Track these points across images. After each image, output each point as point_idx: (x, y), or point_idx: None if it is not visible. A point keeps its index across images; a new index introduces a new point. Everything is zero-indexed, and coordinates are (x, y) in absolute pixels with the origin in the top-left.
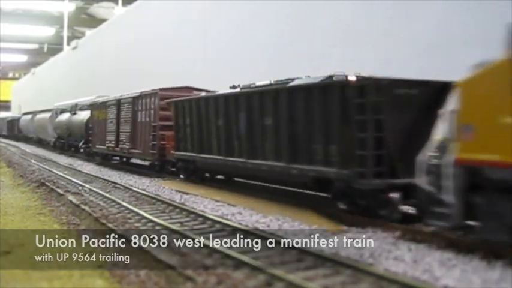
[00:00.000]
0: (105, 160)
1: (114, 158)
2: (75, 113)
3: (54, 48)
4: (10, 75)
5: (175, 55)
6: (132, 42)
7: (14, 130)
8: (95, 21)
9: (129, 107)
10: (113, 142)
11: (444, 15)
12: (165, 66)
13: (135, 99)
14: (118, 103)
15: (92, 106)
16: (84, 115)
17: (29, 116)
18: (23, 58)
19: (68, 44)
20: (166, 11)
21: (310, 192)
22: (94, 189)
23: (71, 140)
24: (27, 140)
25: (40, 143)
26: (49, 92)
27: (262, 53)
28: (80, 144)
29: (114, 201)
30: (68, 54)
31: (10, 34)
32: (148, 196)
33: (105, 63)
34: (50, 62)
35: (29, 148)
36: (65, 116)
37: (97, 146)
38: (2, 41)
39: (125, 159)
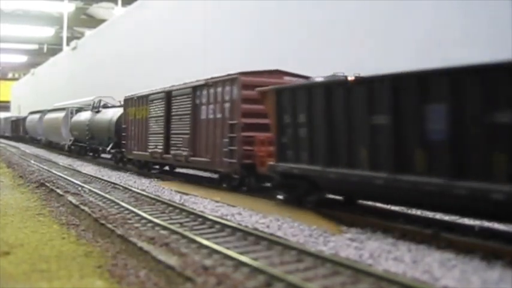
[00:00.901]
0: (142, 169)
1: (154, 166)
2: (98, 111)
3: (53, 48)
4: (10, 75)
5: (175, 55)
6: (132, 42)
7: (18, 131)
8: (95, 22)
9: (187, 101)
10: (160, 147)
11: (442, 16)
12: (165, 66)
13: (196, 90)
14: (167, 96)
15: (126, 102)
16: (112, 113)
17: (37, 116)
18: (22, 58)
19: (68, 44)
20: (166, 11)
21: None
22: (94, 189)
23: (94, 144)
24: (34, 142)
25: (50, 146)
26: (49, 92)
27: (262, 52)
28: (108, 149)
29: (113, 201)
30: (68, 54)
31: (10, 35)
32: (147, 197)
33: (105, 63)
34: (50, 62)
35: (29, 149)
36: (84, 115)
37: (134, 152)
38: (2, 41)
39: (167, 168)
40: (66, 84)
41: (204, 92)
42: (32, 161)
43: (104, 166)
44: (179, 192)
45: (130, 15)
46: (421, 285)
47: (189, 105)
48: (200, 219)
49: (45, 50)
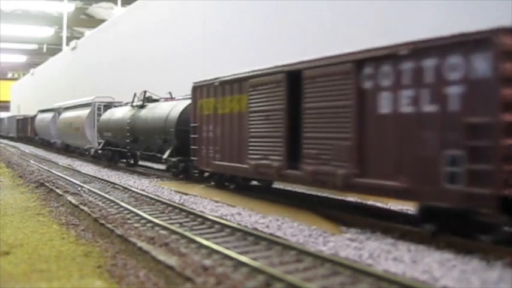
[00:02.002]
0: (223, 184)
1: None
2: (143, 106)
3: (53, 48)
4: (9, 75)
5: (175, 54)
6: (132, 42)
7: (26, 132)
8: (94, 22)
9: (341, 84)
10: (278, 158)
11: (441, 16)
12: (165, 66)
13: (366, 66)
14: (290, 78)
15: (198, 91)
16: (169, 108)
17: (49, 115)
18: (22, 58)
19: (67, 44)
20: (166, 10)
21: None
22: (93, 189)
23: (138, 148)
24: (45, 145)
25: (67, 150)
26: (48, 92)
27: (261, 52)
28: (165, 157)
29: (113, 201)
30: (67, 54)
31: (9, 34)
32: (147, 197)
33: (105, 63)
34: (49, 62)
35: (28, 149)
36: (120, 112)
37: (216, 163)
38: (2, 41)
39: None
40: (66, 84)
41: (387, 69)
42: (32, 161)
43: (103, 166)
44: (179, 192)
45: (130, 15)
46: (420, 285)
47: (347, 91)
48: (200, 219)
49: (44, 50)
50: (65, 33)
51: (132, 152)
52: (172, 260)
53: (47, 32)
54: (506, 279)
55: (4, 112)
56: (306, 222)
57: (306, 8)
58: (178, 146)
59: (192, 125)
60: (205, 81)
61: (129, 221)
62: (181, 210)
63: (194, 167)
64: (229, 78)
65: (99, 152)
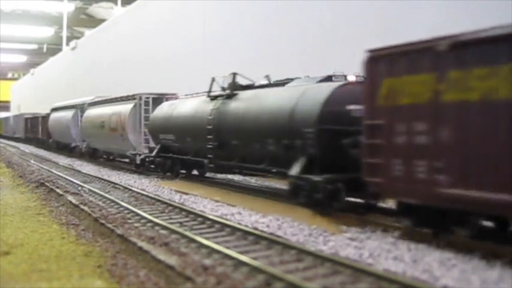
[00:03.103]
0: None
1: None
2: (233, 95)
3: (53, 48)
4: (9, 75)
5: (175, 54)
6: (132, 42)
7: (36, 133)
8: (94, 22)
9: None
10: None
11: (441, 16)
12: (164, 66)
13: None
14: None
15: (379, 62)
16: (292, 95)
17: (68, 113)
18: (22, 58)
19: (67, 44)
20: (166, 10)
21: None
22: (93, 189)
23: (230, 157)
24: (61, 149)
25: (93, 156)
26: (48, 92)
27: (261, 52)
28: (294, 173)
29: (113, 201)
30: (67, 54)
31: (9, 34)
32: (147, 196)
33: (105, 63)
34: (49, 62)
35: (28, 149)
36: (190, 106)
37: (445, 191)
38: (2, 41)
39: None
40: (66, 84)
41: None
42: (32, 161)
43: (103, 166)
44: (179, 191)
45: (130, 15)
46: (420, 285)
47: None
48: (200, 219)
49: (44, 49)
50: (65, 33)
51: (221, 163)
52: (172, 260)
53: (46, 32)
54: (506, 279)
55: (4, 112)
56: (306, 221)
57: (306, 8)
58: (318, 156)
59: (368, 122)
60: (402, 46)
61: (129, 221)
62: (182, 209)
63: (365, 193)
64: (489, 34)
65: (151, 160)
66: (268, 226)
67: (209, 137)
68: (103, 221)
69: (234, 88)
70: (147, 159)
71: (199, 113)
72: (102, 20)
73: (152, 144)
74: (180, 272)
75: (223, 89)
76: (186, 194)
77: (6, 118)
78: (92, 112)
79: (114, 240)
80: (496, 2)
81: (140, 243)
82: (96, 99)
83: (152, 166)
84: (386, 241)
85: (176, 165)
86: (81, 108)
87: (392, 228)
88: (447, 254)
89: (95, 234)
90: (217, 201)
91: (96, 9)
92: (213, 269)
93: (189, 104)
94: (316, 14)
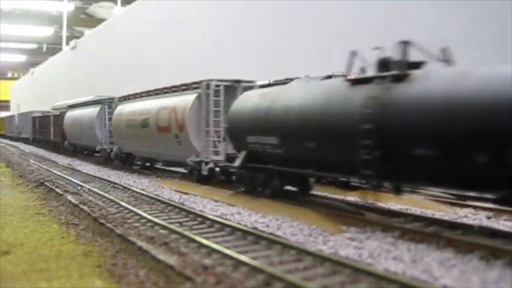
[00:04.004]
0: None
1: None
2: (403, 76)
3: (53, 48)
4: (9, 75)
5: (175, 54)
6: (131, 42)
7: (48, 134)
8: (94, 21)
9: None
10: None
11: (441, 16)
12: (164, 65)
13: None
14: None
15: None
16: None
17: (91, 110)
18: (22, 58)
19: (67, 43)
20: (165, 10)
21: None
22: (93, 189)
23: (416, 177)
24: (80, 154)
25: (126, 163)
26: (48, 91)
27: (261, 52)
28: None
29: (113, 201)
30: (67, 54)
31: (9, 34)
32: (147, 196)
33: (105, 62)
34: (49, 61)
35: (28, 148)
36: (310, 95)
37: None
38: (1, 41)
39: None
40: (66, 84)
41: None
42: (32, 161)
43: (103, 165)
44: (178, 191)
45: (130, 15)
46: (420, 285)
47: None
48: (199, 219)
49: (44, 49)
50: (64, 33)
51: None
52: (172, 260)
53: (46, 32)
54: (506, 279)
55: (4, 111)
56: (306, 221)
57: (306, 8)
58: None
59: None
60: None
61: (128, 221)
62: (181, 209)
63: None
64: None
65: (236, 171)
66: (267, 226)
67: (365, 142)
68: (103, 221)
69: (404, 67)
70: (229, 170)
71: (338, 105)
72: (102, 20)
73: (216, 147)
74: (180, 271)
75: (383, 66)
76: (186, 193)
77: (11, 117)
78: (127, 108)
79: (113, 239)
80: (496, 2)
81: (140, 243)
82: (133, 92)
83: (233, 178)
84: (386, 241)
85: (272, 179)
86: (109, 104)
87: (392, 228)
88: (447, 254)
89: (94, 233)
90: (216, 201)
91: (96, 9)
92: (212, 269)
93: (304, 92)
94: (316, 14)
